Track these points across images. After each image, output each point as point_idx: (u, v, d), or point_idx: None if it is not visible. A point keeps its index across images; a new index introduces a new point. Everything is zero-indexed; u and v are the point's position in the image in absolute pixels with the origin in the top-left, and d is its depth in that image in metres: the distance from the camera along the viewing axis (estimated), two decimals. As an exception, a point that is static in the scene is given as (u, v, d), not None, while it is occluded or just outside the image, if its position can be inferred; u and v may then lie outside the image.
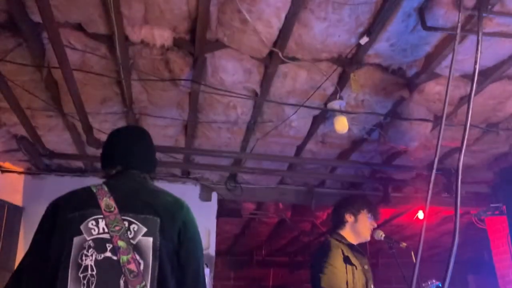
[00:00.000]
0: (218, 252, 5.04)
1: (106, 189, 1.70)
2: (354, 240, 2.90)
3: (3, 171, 4.24)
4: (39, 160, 4.12)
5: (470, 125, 1.80)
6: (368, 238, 2.96)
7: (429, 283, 2.74)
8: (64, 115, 3.32)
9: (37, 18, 2.34)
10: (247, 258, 8.63)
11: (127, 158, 1.86)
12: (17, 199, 4.23)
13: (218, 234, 4.82)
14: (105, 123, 3.50)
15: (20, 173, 4.32)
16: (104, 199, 1.65)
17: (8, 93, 2.93)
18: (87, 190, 1.71)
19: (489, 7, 2.22)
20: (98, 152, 3.77)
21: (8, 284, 1.63)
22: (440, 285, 2.75)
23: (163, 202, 1.74)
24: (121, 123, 3.54)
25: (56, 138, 3.75)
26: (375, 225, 2.97)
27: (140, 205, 1.68)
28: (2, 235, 3.88)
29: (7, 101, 2.99)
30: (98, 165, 4.23)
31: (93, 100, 3.16)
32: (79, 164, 4.35)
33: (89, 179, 4.39)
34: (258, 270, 8.75)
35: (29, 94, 3.01)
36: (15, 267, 1.65)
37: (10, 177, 4.29)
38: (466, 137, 1.74)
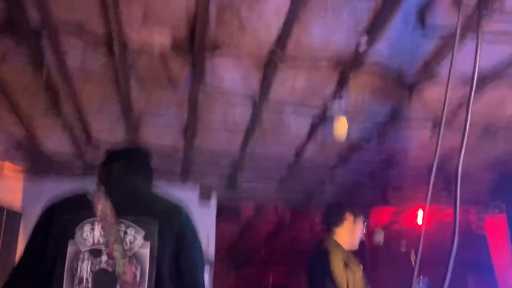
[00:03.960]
0: (217, 253, 5.03)
1: (103, 192, 1.67)
2: (346, 245, 2.89)
3: (2, 174, 4.23)
4: (38, 162, 4.12)
5: (469, 127, 1.79)
6: (356, 247, 2.95)
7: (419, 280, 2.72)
8: (63, 117, 3.31)
9: (36, 20, 2.33)
10: (246, 259, 8.63)
11: (127, 161, 1.86)
12: (16, 201, 4.22)
13: (217, 236, 4.82)
14: (104, 125, 3.50)
15: (19, 175, 4.31)
16: (101, 202, 1.62)
17: (7, 96, 2.92)
18: (83, 194, 1.68)
19: (489, 9, 2.21)
20: (97, 154, 3.83)
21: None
22: (427, 281, 2.75)
23: (162, 206, 1.72)
24: (120, 125, 3.54)
25: (55, 140, 3.75)
26: (363, 238, 2.97)
27: (138, 208, 1.66)
28: (1, 238, 3.87)
29: (5, 103, 2.98)
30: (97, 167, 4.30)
31: (92, 102, 3.15)
32: (78, 166, 4.35)
33: (88, 182, 4.37)
34: (257, 271, 8.75)
35: (28, 97, 3.00)
36: (13, 270, 1.65)
37: (9, 179, 4.28)
38: (465, 139, 1.73)
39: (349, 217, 2.92)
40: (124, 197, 1.69)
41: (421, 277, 2.73)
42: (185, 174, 4.61)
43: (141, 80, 2.92)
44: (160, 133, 3.60)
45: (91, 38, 2.57)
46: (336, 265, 2.68)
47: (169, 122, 3.46)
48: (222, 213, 4.95)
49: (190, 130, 3.57)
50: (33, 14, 2.32)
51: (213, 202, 4.76)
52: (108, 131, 3.57)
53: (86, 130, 3.41)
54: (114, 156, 1.93)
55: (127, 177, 1.82)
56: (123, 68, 2.72)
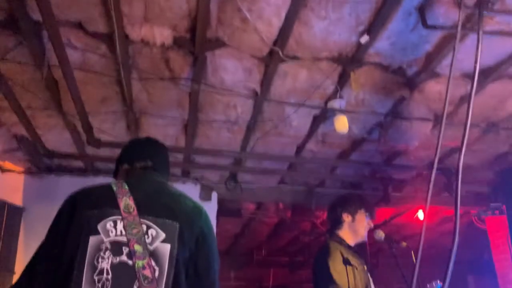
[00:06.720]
0: (218, 252, 5.02)
1: (126, 188, 1.67)
2: (352, 240, 2.88)
3: (3, 171, 4.24)
4: (39, 160, 4.12)
5: (471, 124, 1.79)
6: (365, 238, 2.93)
7: (434, 284, 2.71)
8: (64, 114, 3.31)
9: (37, 16, 2.33)
10: (247, 258, 8.62)
11: (149, 157, 1.86)
12: (17, 199, 4.22)
13: (218, 234, 4.77)
14: (105, 123, 3.50)
15: (20, 172, 4.31)
16: (124, 198, 1.62)
17: (8, 92, 2.92)
18: (106, 188, 1.67)
19: (490, 5, 2.22)
20: (98, 151, 3.83)
21: (22, 277, 1.60)
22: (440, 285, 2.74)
23: (183, 207, 1.71)
24: (121, 123, 3.54)
25: (56, 137, 3.75)
26: (372, 225, 2.96)
27: (160, 208, 1.65)
28: (2, 235, 3.87)
29: (7, 100, 2.98)
30: (98, 164, 4.32)
31: (93, 100, 3.15)
32: (79, 163, 4.35)
33: (89, 179, 4.39)
34: (258, 270, 8.74)
35: (29, 93, 3.00)
36: (15, 266, 1.62)
37: (10, 177, 4.28)
38: (466, 136, 1.73)
39: (346, 218, 2.90)
40: (146, 195, 1.68)
41: (438, 281, 2.72)
42: (185, 172, 4.61)
43: (143, 78, 2.93)
44: (161, 130, 3.60)
45: (92, 37, 2.58)
46: (335, 262, 2.67)
47: (170, 119, 3.46)
48: (222, 212, 4.94)
49: (191, 127, 3.57)
50: (35, 13, 2.32)
51: (214, 202, 4.75)
52: (109, 130, 3.57)
53: (87, 127, 3.41)
54: (135, 151, 1.92)
55: (149, 175, 1.81)
56: (124, 66, 2.73)
